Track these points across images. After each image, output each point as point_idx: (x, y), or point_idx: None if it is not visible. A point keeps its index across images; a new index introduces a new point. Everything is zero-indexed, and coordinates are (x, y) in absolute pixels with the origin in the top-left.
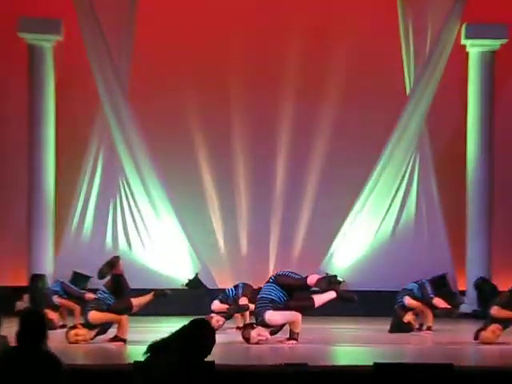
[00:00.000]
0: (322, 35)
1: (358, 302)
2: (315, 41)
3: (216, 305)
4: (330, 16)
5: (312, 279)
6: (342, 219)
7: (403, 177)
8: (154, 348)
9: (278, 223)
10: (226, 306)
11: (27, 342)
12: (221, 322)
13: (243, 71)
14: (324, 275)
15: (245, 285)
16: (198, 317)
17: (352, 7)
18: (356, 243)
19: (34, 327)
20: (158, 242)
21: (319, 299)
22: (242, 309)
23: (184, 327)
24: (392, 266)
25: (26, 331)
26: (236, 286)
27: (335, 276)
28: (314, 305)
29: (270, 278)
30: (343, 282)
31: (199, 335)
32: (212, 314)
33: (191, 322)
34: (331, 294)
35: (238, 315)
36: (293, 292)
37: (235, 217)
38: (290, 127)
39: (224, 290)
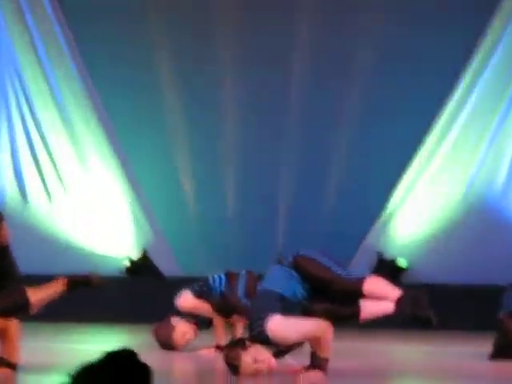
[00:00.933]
0: None
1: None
2: None
3: (187, 300)
4: None
5: (375, 285)
6: (396, 174)
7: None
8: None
9: (292, 177)
10: (204, 305)
11: None
12: (188, 336)
13: None
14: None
15: (248, 274)
16: (122, 347)
17: None
18: (422, 211)
19: None
20: (81, 196)
21: (371, 308)
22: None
23: (94, 366)
24: (486, 247)
25: None
26: (231, 276)
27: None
28: (358, 315)
29: (286, 257)
30: (407, 269)
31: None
32: (175, 319)
33: (107, 358)
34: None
35: (220, 324)
36: (325, 291)
37: (218, 160)
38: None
39: (198, 279)
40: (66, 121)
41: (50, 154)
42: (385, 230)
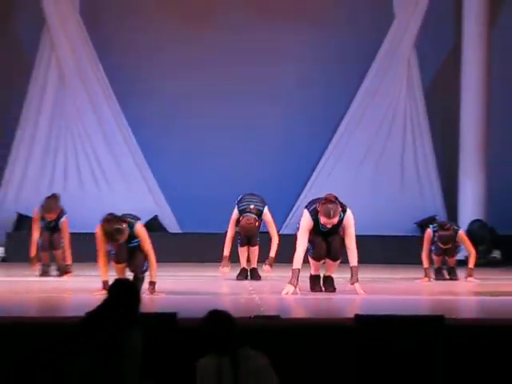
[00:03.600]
0: None
1: None
2: None
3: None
4: None
5: None
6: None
7: (388, 108)
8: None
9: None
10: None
11: None
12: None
13: None
14: None
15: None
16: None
17: None
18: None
19: None
20: (115, 181)
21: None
22: None
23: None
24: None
25: None
26: None
27: None
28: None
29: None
30: None
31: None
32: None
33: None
34: None
35: None
36: None
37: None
38: None
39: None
40: (105, 133)
41: (96, 155)
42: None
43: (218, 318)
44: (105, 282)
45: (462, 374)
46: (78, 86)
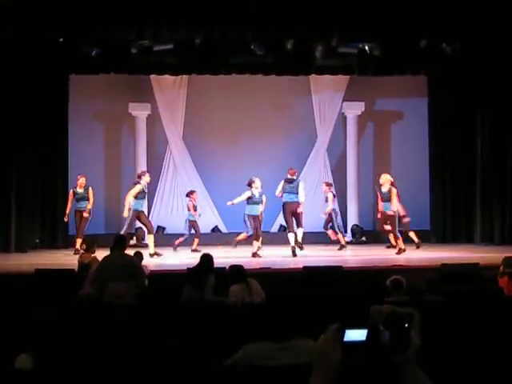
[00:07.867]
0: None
1: None
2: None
3: None
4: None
5: None
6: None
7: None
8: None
9: None
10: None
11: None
12: None
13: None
14: None
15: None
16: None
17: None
18: None
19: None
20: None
21: None
22: None
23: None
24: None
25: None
26: None
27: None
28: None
29: None
30: None
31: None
32: None
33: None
34: None
35: None
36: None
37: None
38: None
39: None
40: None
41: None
42: None
43: (237, 269)
44: None
45: None
46: (180, 167)
